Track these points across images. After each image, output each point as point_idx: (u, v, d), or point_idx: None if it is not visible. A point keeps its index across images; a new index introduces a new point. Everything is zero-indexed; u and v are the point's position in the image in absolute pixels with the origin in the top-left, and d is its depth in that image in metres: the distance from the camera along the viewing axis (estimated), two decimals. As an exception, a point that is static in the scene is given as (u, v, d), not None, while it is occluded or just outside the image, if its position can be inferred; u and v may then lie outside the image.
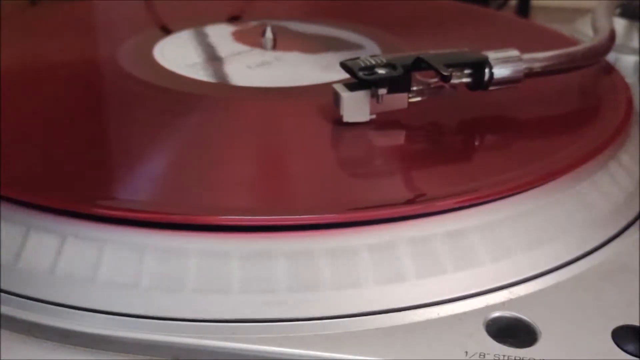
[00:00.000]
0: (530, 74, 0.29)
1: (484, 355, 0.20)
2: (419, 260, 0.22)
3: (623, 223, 0.26)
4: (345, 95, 0.27)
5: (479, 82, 0.28)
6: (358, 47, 0.37)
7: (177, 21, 0.41)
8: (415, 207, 0.23)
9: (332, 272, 0.21)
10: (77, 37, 0.39)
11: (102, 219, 0.22)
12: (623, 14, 0.43)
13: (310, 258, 0.21)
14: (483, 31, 0.40)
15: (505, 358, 0.20)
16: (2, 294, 0.21)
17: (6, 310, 0.21)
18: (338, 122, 0.28)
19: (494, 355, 0.20)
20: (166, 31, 0.39)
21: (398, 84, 0.27)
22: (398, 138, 0.28)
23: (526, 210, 0.24)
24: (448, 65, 0.27)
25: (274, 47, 0.37)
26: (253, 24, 0.40)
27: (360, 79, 0.27)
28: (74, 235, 0.22)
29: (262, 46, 0.37)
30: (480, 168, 0.26)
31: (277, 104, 0.31)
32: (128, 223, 0.22)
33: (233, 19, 0.42)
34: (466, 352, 0.20)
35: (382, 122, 0.28)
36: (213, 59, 0.35)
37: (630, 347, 0.20)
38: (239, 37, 0.39)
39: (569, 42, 0.36)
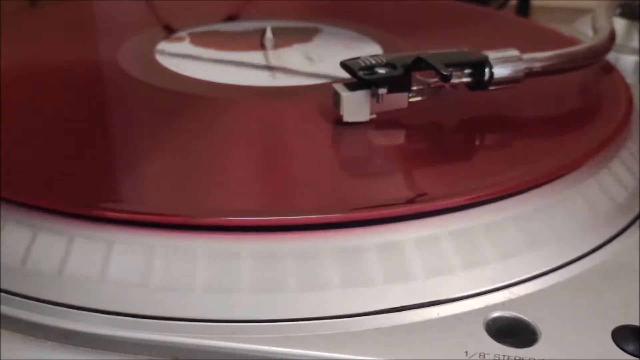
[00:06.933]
0: (530, 74, 0.29)
1: (484, 355, 0.20)
2: (420, 261, 0.22)
3: (623, 223, 0.26)
4: (345, 95, 0.27)
5: (479, 82, 0.28)
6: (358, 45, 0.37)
7: (178, 20, 0.41)
8: (417, 206, 0.23)
9: (333, 273, 0.21)
10: (77, 37, 0.39)
11: (108, 220, 0.22)
12: (623, 14, 0.43)
13: (312, 258, 0.21)
14: (483, 31, 0.40)
15: (505, 358, 0.19)
16: (5, 294, 0.21)
17: (6, 310, 0.21)
18: (338, 122, 0.28)
19: (494, 355, 0.20)
20: (168, 30, 0.39)
21: (398, 83, 0.27)
22: (398, 138, 0.28)
23: (526, 211, 0.24)
24: (448, 65, 0.27)
25: (274, 47, 0.37)
26: (253, 24, 0.40)
27: (360, 78, 0.27)
28: (80, 236, 0.22)
29: (262, 46, 0.37)
30: (480, 168, 0.26)
31: (277, 104, 0.31)
32: (131, 224, 0.22)
33: (231, 18, 0.42)
34: (466, 352, 0.20)
35: (383, 121, 0.28)
36: (214, 58, 0.35)
37: (630, 347, 0.20)
38: (239, 36, 0.39)
39: (569, 41, 0.36)
